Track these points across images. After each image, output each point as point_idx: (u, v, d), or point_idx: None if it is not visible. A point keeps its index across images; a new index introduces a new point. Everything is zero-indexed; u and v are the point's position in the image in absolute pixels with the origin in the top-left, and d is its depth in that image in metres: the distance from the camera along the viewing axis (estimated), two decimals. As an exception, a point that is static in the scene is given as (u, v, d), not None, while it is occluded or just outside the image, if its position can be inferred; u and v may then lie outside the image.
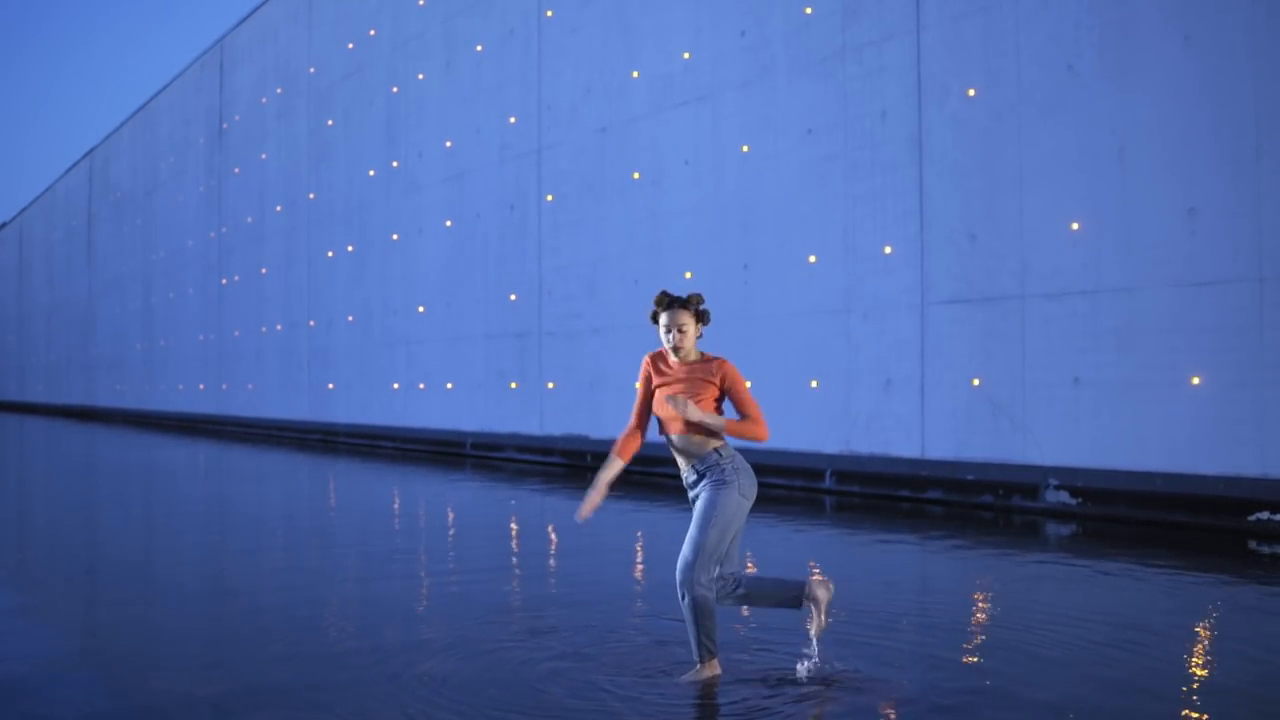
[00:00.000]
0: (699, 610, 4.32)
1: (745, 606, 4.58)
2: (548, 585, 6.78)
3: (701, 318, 4.51)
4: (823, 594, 4.38)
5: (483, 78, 17.21)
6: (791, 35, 11.90)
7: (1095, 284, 9.13)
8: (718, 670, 4.40)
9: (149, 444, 22.46)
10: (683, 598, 4.35)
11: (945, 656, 4.76)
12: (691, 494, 4.49)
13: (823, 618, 4.39)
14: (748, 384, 4.54)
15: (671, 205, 13.43)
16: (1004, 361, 9.80)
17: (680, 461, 4.50)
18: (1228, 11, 8.42)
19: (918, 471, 10.50)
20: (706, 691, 4.26)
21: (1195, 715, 4.00)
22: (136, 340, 34.68)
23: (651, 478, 12.34)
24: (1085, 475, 9.19)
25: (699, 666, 4.39)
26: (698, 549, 4.32)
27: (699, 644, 4.37)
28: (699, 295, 4.53)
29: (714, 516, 4.32)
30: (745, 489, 4.40)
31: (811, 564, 7.36)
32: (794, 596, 4.41)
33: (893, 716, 3.97)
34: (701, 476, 4.42)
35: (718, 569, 4.40)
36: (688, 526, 4.42)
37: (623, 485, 12.42)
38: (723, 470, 4.38)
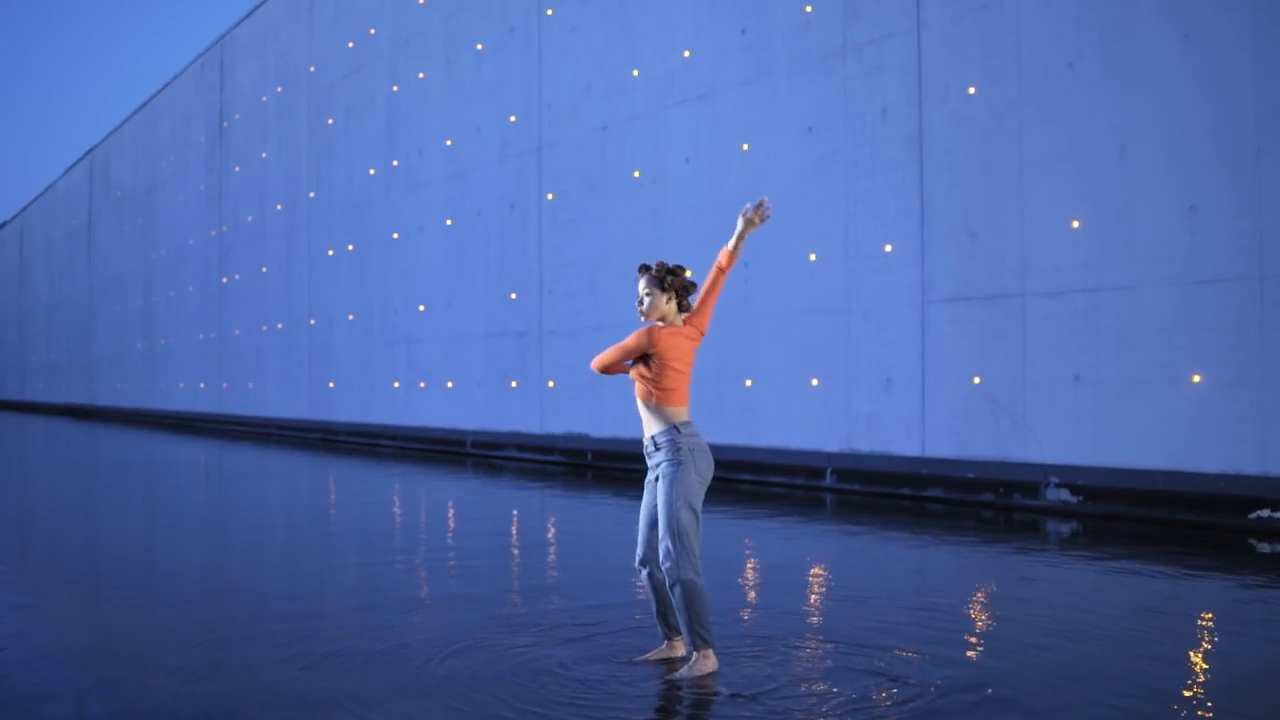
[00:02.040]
0: (690, 597, 4.35)
1: (662, 599, 4.63)
2: (549, 583, 6.78)
3: (665, 285, 4.57)
4: (709, 666, 4.40)
5: (483, 76, 17.22)
6: (792, 33, 11.90)
7: (1096, 282, 9.13)
8: (713, 663, 4.41)
9: (150, 443, 22.46)
10: (672, 587, 4.39)
11: (945, 655, 4.76)
12: (650, 466, 4.56)
13: (684, 669, 4.41)
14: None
15: (672, 203, 13.44)
16: (1004, 360, 9.80)
17: (644, 427, 4.59)
18: (1228, 10, 8.42)
19: (918, 470, 10.51)
20: (704, 686, 4.27)
21: (1196, 714, 4.01)
22: (137, 339, 34.69)
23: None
24: (1086, 473, 9.20)
25: (695, 658, 4.40)
26: (675, 536, 4.38)
27: (691, 632, 4.39)
28: (664, 265, 4.59)
29: (676, 500, 4.40)
30: (701, 468, 4.48)
31: (817, 567, 7.36)
32: (702, 640, 4.40)
33: (890, 715, 3.97)
34: (658, 450, 4.49)
35: (699, 549, 4.45)
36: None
37: (622, 483, 12.42)
38: (678, 450, 4.45)
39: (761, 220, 4.57)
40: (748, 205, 4.58)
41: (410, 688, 4.33)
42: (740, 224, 4.57)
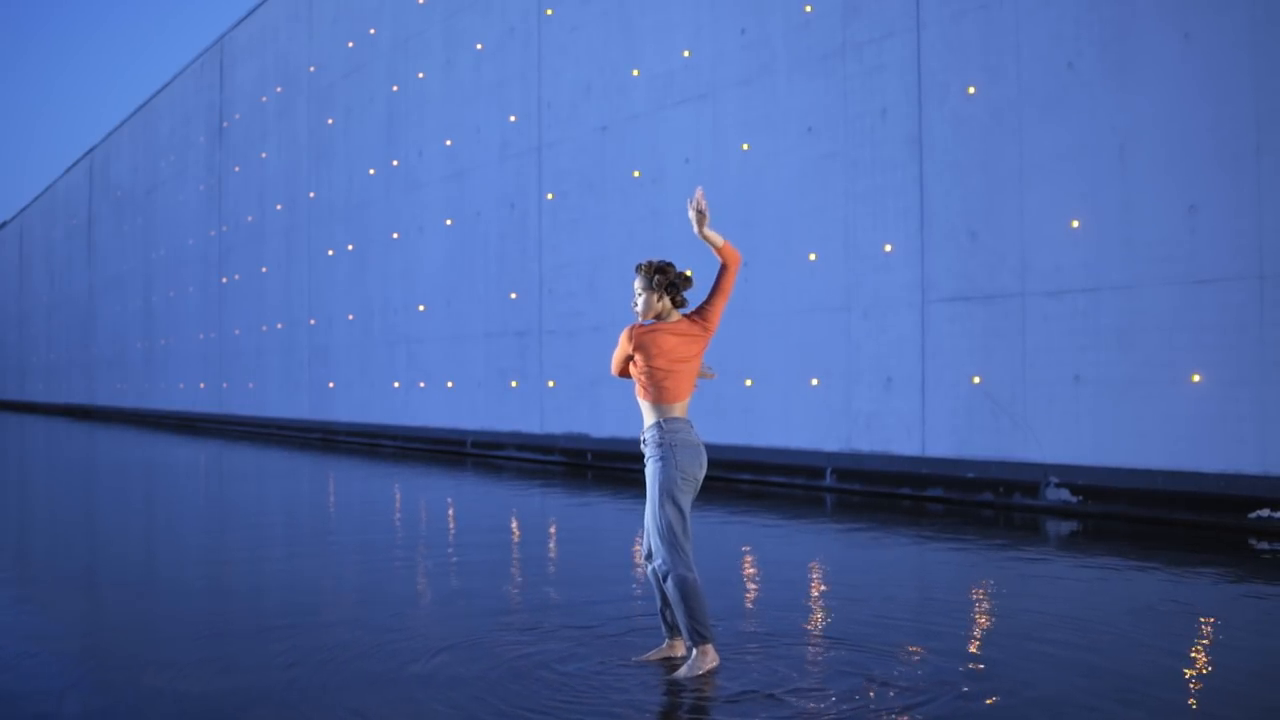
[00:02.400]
0: (683, 592, 4.35)
1: (664, 595, 4.62)
2: (548, 582, 6.77)
3: (653, 284, 4.54)
4: (709, 663, 4.37)
5: (483, 76, 17.21)
6: (792, 33, 11.89)
7: (1096, 282, 9.13)
8: (713, 658, 4.39)
9: (149, 443, 22.46)
10: (665, 581, 4.39)
11: (944, 654, 4.75)
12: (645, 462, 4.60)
13: (684, 668, 4.39)
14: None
15: (672, 203, 13.43)
16: (1004, 359, 9.79)
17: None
18: (1227, 10, 8.41)
19: (918, 469, 10.50)
20: (705, 684, 4.25)
21: (1195, 712, 4.00)
22: (137, 339, 34.68)
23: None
24: (1086, 473, 9.19)
25: (695, 655, 4.39)
26: (661, 533, 4.41)
27: (690, 629, 4.38)
28: (653, 264, 4.55)
29: (659, 497, 4.43)
30: (684, 464, 4.46)
31: (814, 565, 7.35)
32: (700, 636, 4.38)
33: (890, 712, 3.96)
34: (646, 446, 4.53)
35: (690, 544, 4.45)
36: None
37: (622, 483, 12.41)
38: (660, 447, 4.46)
39: (701, 208, 4.47)
40: (689, 199, 4.54)
41: (393, 684, 4.33)
42: (692, 222, 4.51)
